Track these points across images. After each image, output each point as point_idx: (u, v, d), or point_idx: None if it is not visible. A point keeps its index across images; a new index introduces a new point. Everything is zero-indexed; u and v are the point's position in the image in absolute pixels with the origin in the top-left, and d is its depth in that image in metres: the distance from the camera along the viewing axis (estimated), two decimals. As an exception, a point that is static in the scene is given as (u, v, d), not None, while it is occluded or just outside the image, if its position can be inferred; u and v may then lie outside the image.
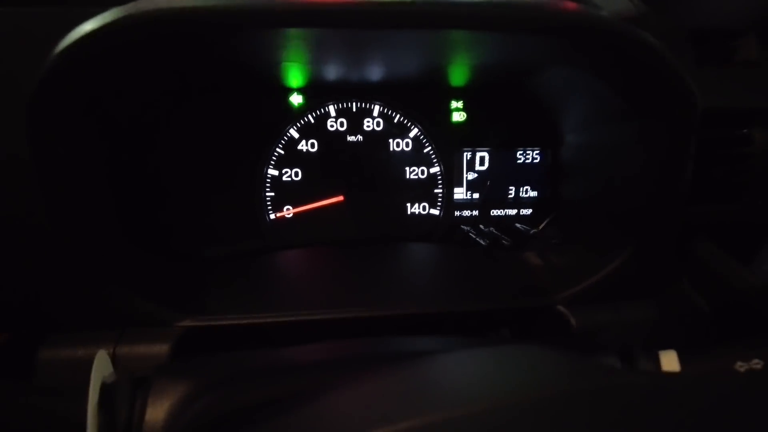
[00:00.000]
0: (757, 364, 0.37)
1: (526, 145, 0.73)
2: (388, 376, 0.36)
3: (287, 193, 0.70)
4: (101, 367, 0.38)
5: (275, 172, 0.70)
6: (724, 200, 0.63)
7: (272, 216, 0.71)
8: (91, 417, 0.33)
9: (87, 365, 0.38)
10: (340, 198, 0.70)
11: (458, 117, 0.72)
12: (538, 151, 0.74)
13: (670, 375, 0.39)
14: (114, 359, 0.46)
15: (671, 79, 0.44)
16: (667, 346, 0.43)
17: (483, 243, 0.68)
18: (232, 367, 0.45)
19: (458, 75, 0.67)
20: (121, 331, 0.48)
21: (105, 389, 0.36)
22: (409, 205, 0.73)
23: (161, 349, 0.47)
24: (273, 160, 0.69)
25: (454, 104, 0.72)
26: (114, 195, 0.52)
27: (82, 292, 0.47)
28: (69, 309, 0.48)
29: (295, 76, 0.64)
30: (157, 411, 0.34)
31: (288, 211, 0.71)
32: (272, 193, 0.70)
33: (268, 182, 0.70)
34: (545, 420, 0.28)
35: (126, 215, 0.56)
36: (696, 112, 0.46)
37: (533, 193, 0.75)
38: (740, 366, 0.37)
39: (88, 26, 0.38)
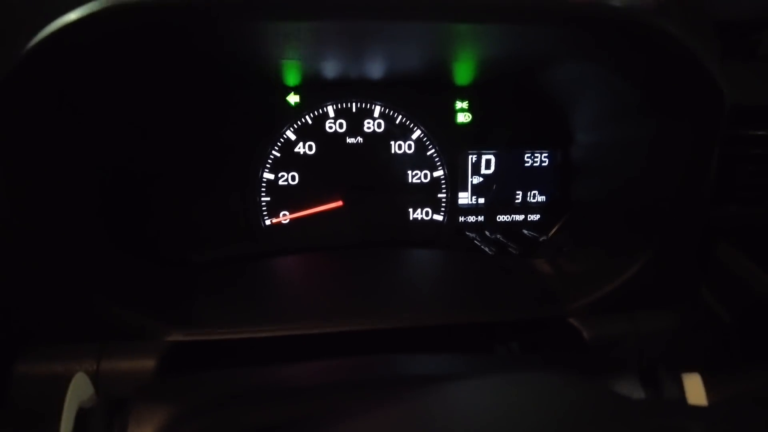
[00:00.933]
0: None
1: (534, 147, 0.70)
2: (394, 409, 0.33)
3: (284, 197, 0.67)
4: (78, 391, 0.34)
5: (271, 176, 0.66)
6: (748, 203, 0.59)
7: (268, 222, 0.67)
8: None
9: (66, 382, 0.35)
10: (339, 203, 0.67)
11: (463, 118, 0.69)
12: (546, 154, 0.70)
13: (697, 408, 0.36)
14: (97, 375, 0.43)
15: (699, 74, 0.41)
16: (686, 359, 0.40)
17: (489, 251, 0.64)
18: (223, 389, 0.41)
19: (463, 72, 0.64)
20: (105, 344, 0.45)
21: (81, 415, 0.33)
22: (411, 210, 0.70)
23: (147, 364, 0.44)
24: (269, 163, 0.66)
25: (459, 104, 0.68)
26: (99, 196, 0.49)
27: (62, 300, 0.44)
28: (47, 319, 0.44)
29: (291, 73, 0.61)
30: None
31: (285, 217, 0.67)
32: (268, 198, 0.67)
33: (263, 186, 0.67)
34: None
35: (113, 218, 0.53)
36: (724, 109, 0.43)
37: (541, 198, 0.71)
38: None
39: (73, 15, 0.35)
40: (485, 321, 0.52)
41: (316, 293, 0.57)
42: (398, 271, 0.63)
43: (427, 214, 0.70)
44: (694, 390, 0.36)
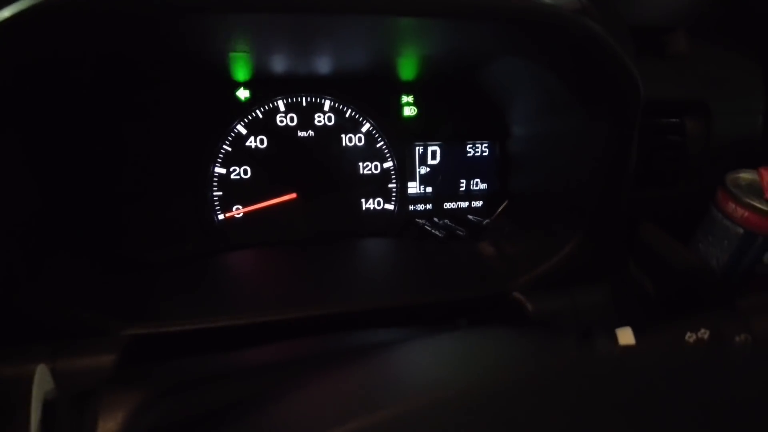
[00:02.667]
0: (704, 333, 0.39)
1: (475, 139, 0.75)
2: (347, 371, 0.35)
3: (236, 192, 0.67)
4: (42, 383, 0.34)
5: (222, 171, 0.67)
6: (663, 186, 0.66)
7: (221, 216, 0.68)
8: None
9: (21, 384, 0.34)
10: (293, 195, 0.68)
11: (409, 111, 0.72)
12: (486, 145, 0.75)
13: (626, 349, 0.41)
14: (54, 375, 0.42)
15: (619, 70, 0.46)
16: (617, 326, 0.45)
17: (439, 235, 0.68)
18: (186, 373, 0.42)
19: (408, 68, 0.67)
20: (59, 343, 0.44)
21: (48, 407, 0.33)
22: (363, 201, 0.73)
23: (106, 360, 0.43)
24: (220, 158, 0.66)
25: (404, 99, 0.72)
26: (42, 198, 0.48)
27: (4, 302, 0.42)
28: None
29: (241, 68, 0.61)
30: (108, 425, 0.31)
31: (238, 211, 0.68)
32: (220, 193, 0.67)
33: (215, 181, 0.67)
34: (508, 402, 0.28)
35: (61, 221, 0.51)
36: (641, 102, 0.48)
37: (483, 186, 0.76)
38: (690, 337, 0.39)
39: (6, 13, 0.34)
40: (434, 301, 0.55)
41: (272, 284, 0.58)
42: (352, 259, 0.66)
43: (379, 203, 0.73)
44: (626, 340, 0.41)
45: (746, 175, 0.60)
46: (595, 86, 0.51)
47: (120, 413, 0.34)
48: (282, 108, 0.67)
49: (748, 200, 0.54)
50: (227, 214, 0.68)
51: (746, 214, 0.54)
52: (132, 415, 0.33)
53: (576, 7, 0.55)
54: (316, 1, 0.39)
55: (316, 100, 0.68)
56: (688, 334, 0.40)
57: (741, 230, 0.56)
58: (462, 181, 0.75)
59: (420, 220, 0.73)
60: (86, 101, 0.58)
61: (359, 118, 0.70)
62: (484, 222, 0.70)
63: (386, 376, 0.35)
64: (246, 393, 0.36)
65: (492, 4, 0.42)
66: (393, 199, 0.73)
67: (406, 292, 0.56)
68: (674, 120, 0.67)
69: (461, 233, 0.67)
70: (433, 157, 0.74)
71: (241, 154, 0.67)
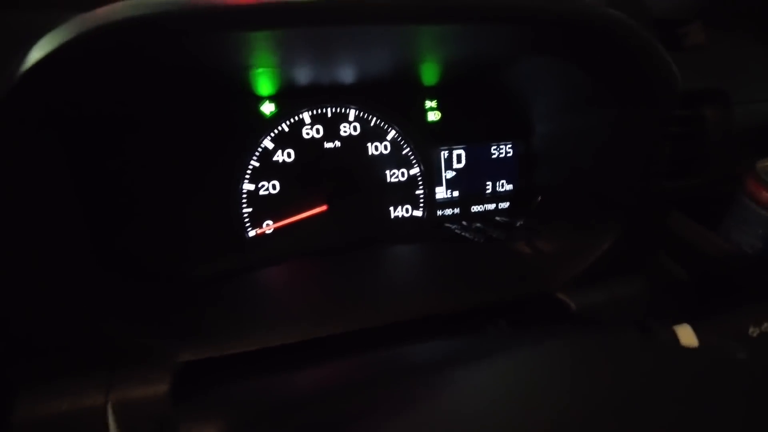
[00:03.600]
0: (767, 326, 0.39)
1: (499, 140, 0.75)
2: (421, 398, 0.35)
3: (266, 207, 0.67)
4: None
5: (251, 187, 0.66)
6: (685, 176, 0.67)
7: (251, 233, 0.67)
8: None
9: (79, 420, 0.33)
10: (324, 207, 0.68)
11: (433, 116, 0.72)
12: (510, 145, 0.75)
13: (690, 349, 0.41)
14: (110, 406, 0.41)
15: (658, 65, 0.46)
16: (660, 319, 0.45)
17: (472, 238, 0.68)
18: (250, 397, 0.41)
19: (430, 73, 0.67)
20: (111, 373, 0.43)
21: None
22: (392, 208, 0.72)
23: (159, 389, 0.43)
24: (248, 174, 0.66)
25: (428, 104, 0.71)
26: (82, 216, 0.47)
27: (59, 329, 0.41)
28: (46, 352, 0.41)
29: (264, 83, 0.61)
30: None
31: (268, 227, 0.67)
32: (250, 209, 0.66)
33: (244, 198, 0.66)
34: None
35: (99, 239, 0.50)
36: (678, 91, 0.48)
37: (509, 186, 0.76)
38: (753, 331, 0.39)
39: (37, 54, 0.34)
40: (477, 305, 0.54)
41: (313, 299, 0.57)
42: (389, 268, 0.65)
43: (407, 210, 0.73)
44: (687, 338, 0.41)
45: (775, 163, 0.60)
46: (630, 80, 0.50)
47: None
48: (307, 120, 0.67)
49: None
50: (258, 231, 0.67)
51: (782, 201, 0.55)
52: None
53: (600, 3, 0.56)
54: (333, 14, 0.38)
55: (340, 110, 0.68)
56: (752, 328, 0.40)
57: (777, 217, 0.56)
58: (488, 183, 0.75)
59: (451, 225, 0.73)
60: (114, 121, 0.57)
61: (384, 125, 0.70)
62: (518, 223, 0.70)
63: (459, 402, 0.35)
64: (321, 419, 0.35)
65: (534, 7, 0.42)
66: (421, 204, 0.73)
67: (448, 297, 0.55)
68: (694, 110, 0.67)
69: (496, 235, 0.67)
70: (459, 161, 0.74)
71: (269, 169, 0.66)
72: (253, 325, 0.50)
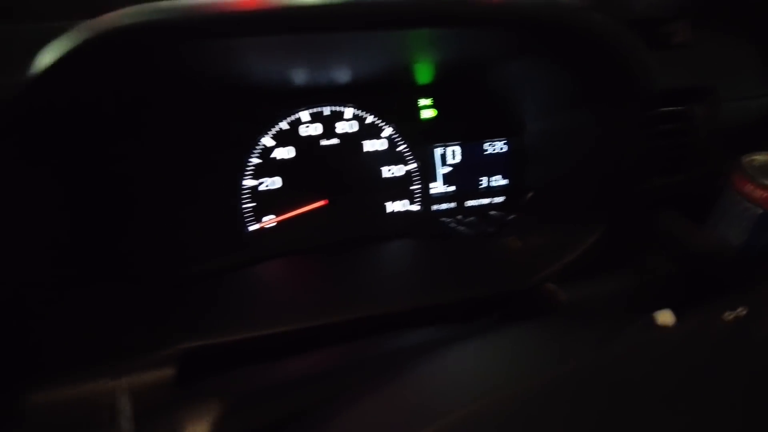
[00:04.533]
0: (742, 311, 0.41)
1: (492, 137, 0.77)
2: (405, 379, 0.37)
3: (267, 202, 0.69)
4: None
5: (252, 183, 0.68)
6: (672, 172, 0.69)
7: (252, 227, 0.69)
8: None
9: (94, 401, 0.36)
10: (325, 202, 0.70)
11: (427, 114, 0.74)
12: (504, 141, 0.77)
13: (665, 329, 0.43)
14: (122, 389, 0.43)
15: (633, 63, 0.48)
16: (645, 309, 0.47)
17: (466, 232, 0.70)
18: (250, 384, 0.44)
19: (424, 73, 0.69)
20: (118, 360, 0.45)
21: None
22: (389, 203, 0.74)
23: (167, 373, 0.45)
24: (249, 170, 0.68)
25: (422, 102, 0.73)
26: (76, 214, 0.49)
27: (68, 326, 0.44)
28: (58, 350, 0.44)
29: (263, 83, 0.63)
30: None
31: (270, 221, 0.70)
32: (250, 204, 0.69)
33: (245, 193, 0.68)
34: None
35: (97, 238, 0.53)
36: (655, 94, 0.50)
37: (503, 182, 0.78)
38: (728, 315, 0.41)
39: (47, 59, 0.36)
40: (468, 298, 0.56)
41: (310, 291, 0.60)
42: (386, 262, 0.68)
43: (403, 205, 0.75)
44: (666, 320, 0.43)
45: (760, 157, 0.62)
46: (608, 79, 0.52)
47: (201, 425, 0.36)
48: (305, 118, 0.69)
49: (766, 181, 0.57)
50: (258, 226, 0.69)
51: (765, 194, 0.57)
52: (218, 420, 0.35)
53: (579, 5, 0.57)
54: (326, 21, 0.40)
55: (337, 109, 0.70)
56: (727, 312, 0.42)
57: (760, 210, 0.58)
58: (482, 178, 0.77)
59: (445, 219, 0.75)
60: (113, 120, 0.59)
61: (380, 123, 0.72)
62: (509, 218, 0.72)
63: (447, 380, 0.37)
64: (309, 404, 0.38)
65: (503, 9, 0.43)
66: (417, 199, 0.75)
67: (440, 290, 0.57)
68: (681, 107, 0.69)
69: (490, 230, 0.69)
70: (454, 157, 0.76)
71: (269, 165, 0.69)
72: (253, 315, 0.52)
